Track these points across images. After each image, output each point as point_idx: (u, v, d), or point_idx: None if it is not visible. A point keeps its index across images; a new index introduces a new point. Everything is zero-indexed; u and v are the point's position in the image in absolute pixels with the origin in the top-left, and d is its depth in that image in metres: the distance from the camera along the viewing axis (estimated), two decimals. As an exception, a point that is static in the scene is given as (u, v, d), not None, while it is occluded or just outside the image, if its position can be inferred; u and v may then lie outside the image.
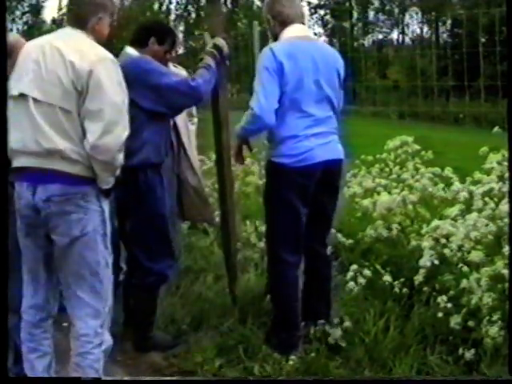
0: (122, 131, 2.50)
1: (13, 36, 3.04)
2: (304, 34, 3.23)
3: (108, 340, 2.66)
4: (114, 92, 2.48)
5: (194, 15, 40.89)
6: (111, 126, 2.45)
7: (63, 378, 2.64)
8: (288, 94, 3.07)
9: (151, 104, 3.16)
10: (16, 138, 2.53)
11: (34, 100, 2.49)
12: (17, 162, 2.57)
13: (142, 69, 3.18)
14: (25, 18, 41.66)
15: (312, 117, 3.13)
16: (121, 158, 2.54)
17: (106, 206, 2.61)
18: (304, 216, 3.19)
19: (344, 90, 3.36)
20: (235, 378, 3.03)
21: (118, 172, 2.59)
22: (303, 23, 3.27)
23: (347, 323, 3.27)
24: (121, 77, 2.57)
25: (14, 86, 2.55)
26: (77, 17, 2.61)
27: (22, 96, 2.51)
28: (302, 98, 3.10)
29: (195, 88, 3.18)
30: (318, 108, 3.15)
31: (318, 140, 3.13)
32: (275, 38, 3.24)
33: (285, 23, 3.18)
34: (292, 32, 3.17)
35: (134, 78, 3.00)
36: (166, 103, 3.18)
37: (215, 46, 3.36)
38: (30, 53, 2.58)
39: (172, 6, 41.15)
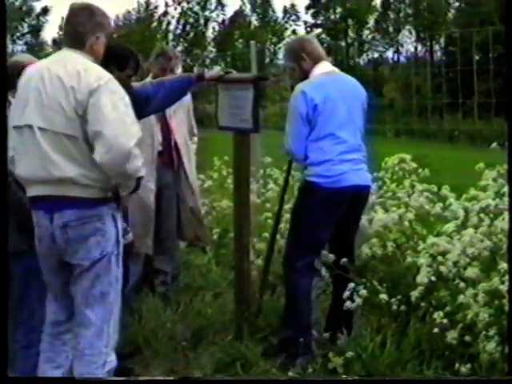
0: (127, 141, 2.48)
1: (24, 56, 3.12)
2: (331, 69, 3.55)
3: (112, 361, 2.64)
4: (112, 109, 2.48)
5: (192, 34, 41.20)
6: (112, 141, 2.45)
7: (61, 378, 2.66)
8: (322, 124, 3.37)
9: None
10: (25, 166, 2.56)
11: (40, 129, 2.50)
12: (30, 191, 2.60)
13: None
14: (25, 39, 41.92)
15: (346, 143, 3.40)
16: (134, 164, 2.53)
17: (120, 224, 2.64)
18: (326, 234, 3.43)
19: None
20: (234, 378, 3.05)
21: (138, 173, 2.60)
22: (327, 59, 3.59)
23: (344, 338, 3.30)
24: (122, 93, 2.58)
25: (19, 117, 2.57)
26: (75, 37, 2.63)
27: (28, 126, 2.53)
28: (335, 125, 3.39)
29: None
30: (351, 135, 3.44)
31: (351, 165, 3.40)
32: (306, 75, 3.47)
33: (316, 60, 3.49)
34: (322, 68, 3.48)
35: None
36: None
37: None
38: (30, 80, 2.59)
39: (171, 27, 41.53)
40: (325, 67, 3.50)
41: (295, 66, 3.51)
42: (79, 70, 2.52)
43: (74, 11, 2.65)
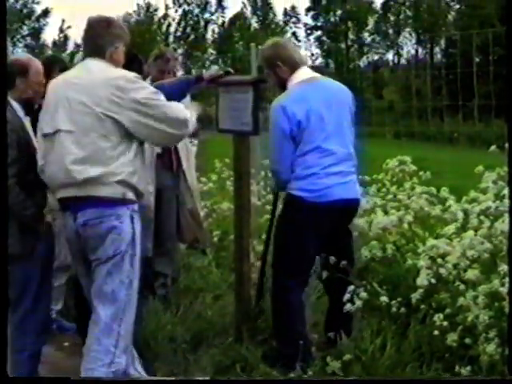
0: (181, 116, 2.73)
1: (24, 55, 3.17)
2: (311, 75, 3.32)
3: (121, 363, 2.63)
4: (153, 101, 2.66)
5: (192, 37, 41.26)
6: (169, 129, 2.70)
7: (61, 379, 2.66)
8: (307, 138, 3.19)
9: None
10: (52, 170, 2.67)
11: (67, 132, 2.60)
12: (58, 194, 2.72)
13: None
14: (25, 42, 41.98)
15: (334, 154, 3.23)
16: (191, 123, 2.82)
17: (138, 226, 2.69)
18: (314, 249, 3.28)
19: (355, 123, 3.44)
20: (234, 378, 3.06)
21: (195, 119, 2.90)
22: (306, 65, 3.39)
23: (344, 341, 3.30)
24: (149, 85, 2.77)
25: (49, 124, 2.68)
26: (95, 48, 2.75)
27: (58, 131, 2.64)
28: (322, 138, 3.20)
29: None
30: (340, 145, 3.26)
31: (337, 178, 3.24)
32: (283, 83, 3.29)
33: (294, 67, 3.27)
34: (301, 76, 3.26)
35: None
36: None
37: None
38: (57, 89, 2.71)
39: (171, 29, 41.59)
40: (304, 74, 3.28)
41: (271, 74, 3.32)
42: (106, 73, 2.66)
43: (92, 24, 2.79)
